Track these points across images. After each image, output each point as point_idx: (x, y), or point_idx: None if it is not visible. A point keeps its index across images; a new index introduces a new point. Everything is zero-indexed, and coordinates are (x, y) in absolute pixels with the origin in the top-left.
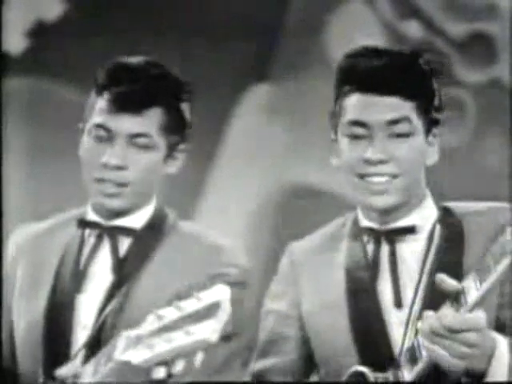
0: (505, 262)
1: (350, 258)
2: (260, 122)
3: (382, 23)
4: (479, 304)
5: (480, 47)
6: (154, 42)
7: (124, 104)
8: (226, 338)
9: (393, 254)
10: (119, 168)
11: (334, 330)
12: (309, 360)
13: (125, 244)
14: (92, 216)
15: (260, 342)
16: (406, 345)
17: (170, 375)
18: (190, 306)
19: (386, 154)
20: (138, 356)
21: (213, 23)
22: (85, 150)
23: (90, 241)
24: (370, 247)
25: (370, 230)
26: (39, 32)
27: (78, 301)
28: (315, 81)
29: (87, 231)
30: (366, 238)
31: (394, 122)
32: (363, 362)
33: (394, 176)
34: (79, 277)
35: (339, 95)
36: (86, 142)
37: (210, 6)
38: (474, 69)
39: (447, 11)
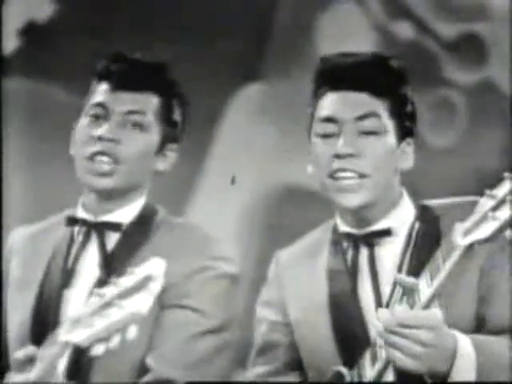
0: (452, 259)
1: (330, 263)
2: (250, 122)
3: (373, 23)
4: (432, 300)
5: (471, 48)
6: (143, 42)
7: (123, 83)
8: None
9: (371, 258)
10: (114, 141)
11: (318, 335)
12: (300, 365)
13: (113, 240)
14: (81, 213)
15: (254, 349)
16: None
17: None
18: (127, 281)
19: (355, 148)
20: (78, 335)
21: (202, 22)
22: (80, 129)
23: (79, 238)
24: (350, 252)
25: (349, 235)
26: (31, 32)
27: (66, 296)
28: (306, 80)
29: (76, 229)
30: (345, 244)
31: (363, 117)
32: (347, 366)
33: (363, 175)
34: (67, 273)
35: (314, 98)
36: (82, 121)
37: (200, 5)
38: (464, 70)
39: (438, 12)
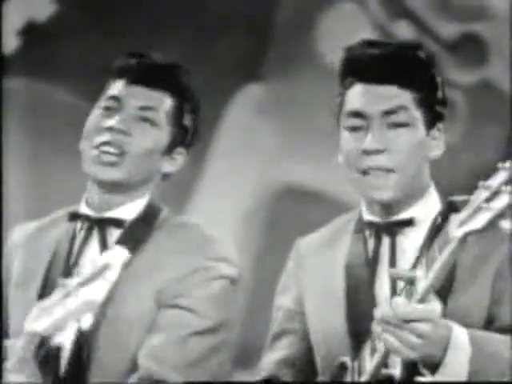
0: (447, 250)
1: (351, 254)
2: (251, 122)
3: (373, 23)
4: (429, 291)
5: (471, 48)
6: (143, 42)
7: (139, 77)
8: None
9: (393, 247)
10: (123, 132)
11: (331, 328)
12: (312, 353)
13: (114, 236)
14: (84, 209)
15: (269, 336)
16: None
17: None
18: (87, 270)
19: (383, 143)
20: (40, 325)
21: (202, 23)
22: (90, 120)
23: (81, 233)
24: (371, 241)
25: (372, 224)
26: (31, 31)
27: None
28: (306, 80)
29: (79, 225)
30: (367, 233)
31: (391, 111)
32: (355, 357)
33: (392, 169)
34: (70, 268)
35: (343, 88)
36: (94, 112)
37: (200, 5)
38: (464, 70)
39: (438, 12)
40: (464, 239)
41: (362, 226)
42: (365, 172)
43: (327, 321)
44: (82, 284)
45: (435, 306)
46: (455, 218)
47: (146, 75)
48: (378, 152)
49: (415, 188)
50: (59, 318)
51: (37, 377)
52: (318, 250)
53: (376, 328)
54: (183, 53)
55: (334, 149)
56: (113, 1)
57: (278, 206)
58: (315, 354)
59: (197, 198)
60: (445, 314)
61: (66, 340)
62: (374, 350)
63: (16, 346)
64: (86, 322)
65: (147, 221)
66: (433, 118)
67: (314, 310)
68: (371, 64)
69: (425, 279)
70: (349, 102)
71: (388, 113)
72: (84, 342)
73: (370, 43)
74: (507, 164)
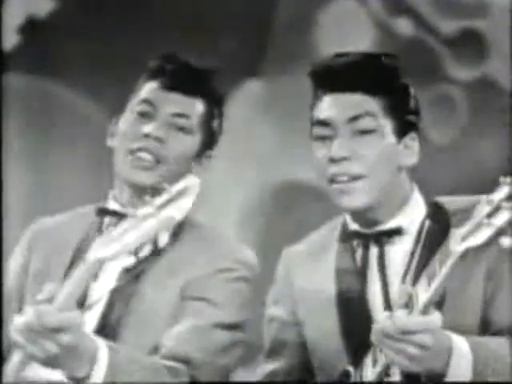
0: (448, 264)
1: (339, 262)
2: (251, 119)
3: (373, 20)
4: (430, 305)
5: (471, 44)
6: (143, 40)
7: (173, 83)
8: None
9: (381, 257)
10: (159, 140)
11: (325, 335)
12: (309, 365)
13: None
14: (112, 205)
15: (265, 347)
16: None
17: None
18: (162, 199)
19: (349, 150)
20: (107, 251)
21: (202, 20)
22: (125, 124)
23: (109, 229)
24: (359, 251)
25: (358, 234)
26: (31, 28)
27: (92, 288)
28: (305, 77)
29: (106, 220)
30: (355, 242)
31: (356, 117)
32: (354, 365)
33: (358, 176)
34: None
35: (313, 101)
36: (128, 116)
37: (200, 3)
38: (464, 66)
39: (438, 8)
40: (465, 254)
41: (348, 235)
42: (332, 180)
43: (321, 328)
44: (160, 207)
45: (435, 317)
46: (456, 233)
47: (180, 81)
48: (344, 159)
49: (394, 196)
50: (132, 242)
51: (83, 317)
52: (306, 259)
53: (377, 340)
54: (183, 50)
55: None
56: None
57: (278, 203)
58: (313, 362)
59: (196, 196)
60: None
61: (94, 313)
62: (375, 361)
63: (73, 274)
64: (162, 241)
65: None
66: (404, 127)
67: (308, 318)
68: (337, 73)
69: (425, 292)
70: (317, 112)
71: (353, 119)
72: (110, 321)
73: (336, 55)
74: (508, 179)
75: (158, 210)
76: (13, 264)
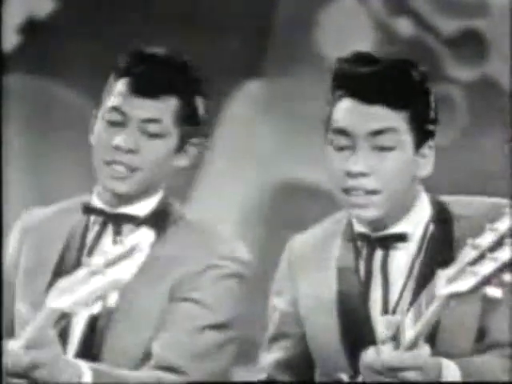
0: (433, 307)
1: (342, 262)
2: (252, 119)
3: (373, 20)
4: (415, 342)
5: (471, 44)
6: (143, 39)
7: (141, 87)
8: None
9: (385, 261)
10: (131, 151)
11: (325, 333)
12: (310, 356)
13: (128, 232)
14: (97, 202)
15: (267, 336)
16: None
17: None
18: (114, 250)
19: (367, 166)
20: (62, 302)
21: (202, 20)
22: (97, 133)
23: (95, 227)
24: (364, 253)
25: (363, 236)
26: (31, 28)
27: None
28: (306, 77)
29: (92, 218)
30: (359, 243)
31: (378, 132)
32: (351, 368)
33: (374, 192)
34: (82, 262)
35: (332, 99)
36: (99, 125)
37: (200, 3)
38: (464, 66)
39: (438, 8)
40: (448, 299)
41: (352, 234)
42: (347, 191)
43: (321, 326)
44: (110, 264)
45: (423, 351)
46: (443, 274)
47: (149, 83)
48: (362, 175)
49: (403, 203)
50: (84, 295)
51: (57, 349)
52: (311, 252)
53: (365, 375)
54: (183, 50)
55: None
56: None
57: (278, 202)
58: (313, 356)
59: (196, 195)
60: (437, 326)
61: (79, 321)
62: None
63: (34, 322)
64: (112, 299)
65: (161, 217)
66: (423, 137)
67: (308, 315)
68: (362, 82)
69: (412, 328)
70: (336, 117)
71: (375, 134)
72: (97, 326)
73: (362, 57)
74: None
75: (109, 266)
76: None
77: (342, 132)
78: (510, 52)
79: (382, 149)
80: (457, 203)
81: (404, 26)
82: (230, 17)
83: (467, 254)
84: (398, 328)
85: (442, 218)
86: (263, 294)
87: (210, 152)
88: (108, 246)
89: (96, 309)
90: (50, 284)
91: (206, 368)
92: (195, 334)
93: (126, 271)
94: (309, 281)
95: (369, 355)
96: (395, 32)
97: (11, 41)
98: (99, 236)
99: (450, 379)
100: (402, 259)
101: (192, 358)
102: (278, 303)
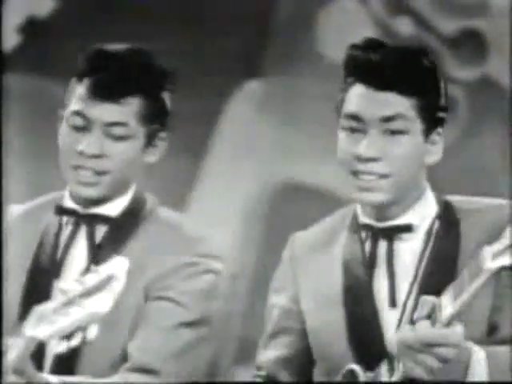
0: (479, 281)
1: (347, 254)
2: (251, 118)
3: (373, 19)
4: (453, 319)
5: (471, 44)
6: (143, 39)
7: (102, 91)
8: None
9: (390, 252)
10: (96, 157)
11: (330, 328)
12: (310, 353)
13: (101, 232)
14: (69, 203)
15: (265, 335)
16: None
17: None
18: (90, 279)
19: (378, 151)
20: (41, 331)
21: (202, 19)
22: (62, 138)
23: (68, 228)
24: (368, 244)
25: (368, 227)
26: (31, 28)
27: (55, 287)
28: (306, 77)
29: (65, 218)
30: (364, 234)
31: (389, 118)
32: (358, 362)
33: (384, 176)
34: (56, 263)
35: (345, 84)
36: (64, 129)
37: (200, 3)
38: (465, 66)
39: (438, 8)
40: (498, 273)
41: (358, 226)
42: (356, 174)
43: (326, 321)
44: (86, 294)
45: (458, 329)
46: (489, 250)
47: (108, 86)
48: (372, 159)
49: (410, 192)
50: (63, 327)
51: (35, 377)
52: (313, 248)
53: (397, 350)
54: (183, 49)
55: (334, 145)
56: None
57: (278, 202)
58: (314, 353)
59: (196, 195)
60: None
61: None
62: (392, 370)
63: (15, 346)
64: (92, 333)
65: (132, 215)
66: (433, 124)
67: (312, 310)
68: (373, 68)
69: (450, 306)
70: (348, 102)
71: (386, 120)
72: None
73: (374, 44)
74: None
75: (86, 297)
76: None
77: (353, 117)
78: (510, 52)
79: (393, 132)
80: (462, 202)
81: (404, 26)
82: (229, 17)
83: None
84: (434, 307)
85: (448, 214)
86: (263, 295)
87: (210, 152)
88: (85, 277)
89: (75, 341)
90: (26, 287)
91: (181, 368)
92: (171, 332)
93: (103, 303)
94: (312, 278)
95: (404, 332)
96: (395, 32)
97: (11, 41)
98: (72, 237)
99: (478, 362)
100: (407, 253)
101: (167, 357)
102: (278, 300)
